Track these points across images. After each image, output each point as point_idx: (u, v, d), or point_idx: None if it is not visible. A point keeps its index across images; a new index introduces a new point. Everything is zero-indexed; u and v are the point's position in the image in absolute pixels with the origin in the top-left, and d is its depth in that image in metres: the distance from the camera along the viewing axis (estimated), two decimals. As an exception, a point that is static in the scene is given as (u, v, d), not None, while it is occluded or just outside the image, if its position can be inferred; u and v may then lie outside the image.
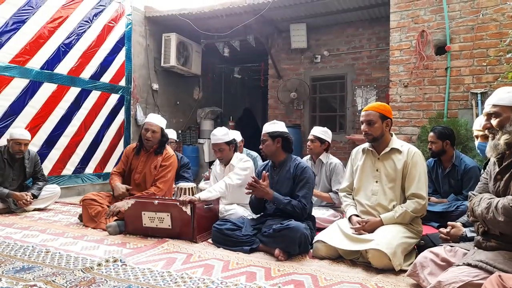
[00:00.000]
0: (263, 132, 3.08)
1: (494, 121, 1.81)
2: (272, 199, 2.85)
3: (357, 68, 6.87)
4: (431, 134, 3.71)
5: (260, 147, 3.07)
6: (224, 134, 3.50)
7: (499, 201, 1.72)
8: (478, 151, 3.04)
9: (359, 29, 6.83)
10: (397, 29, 4.97)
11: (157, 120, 3.76)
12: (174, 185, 3.94)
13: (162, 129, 3.76)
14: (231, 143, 3.54)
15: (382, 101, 3.78)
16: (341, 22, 6.87)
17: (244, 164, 3.47)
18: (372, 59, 6.75)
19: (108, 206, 3.57)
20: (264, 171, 2.96)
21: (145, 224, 3.15)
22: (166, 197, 3.53)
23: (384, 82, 6.46)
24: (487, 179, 1.97)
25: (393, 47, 5.01)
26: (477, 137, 2.94)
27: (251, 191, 2.85)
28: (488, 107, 1.85)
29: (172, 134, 4.97)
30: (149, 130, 3.67)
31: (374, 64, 6.71)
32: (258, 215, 3.19)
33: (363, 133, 2.72)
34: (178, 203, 3.05)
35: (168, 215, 3.07)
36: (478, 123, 2.79)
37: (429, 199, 3.17)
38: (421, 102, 4.84)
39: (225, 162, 3.61)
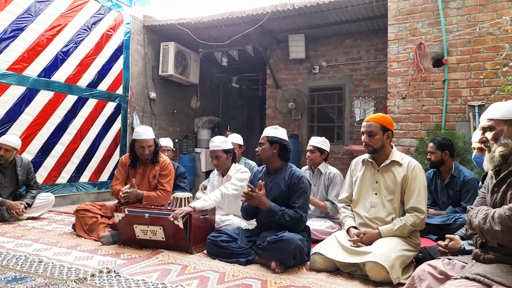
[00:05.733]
0: (262, 135, 3.03)
1: (489, 135, 1.86)
2: (267, 210, 2.78)
3: (355, 79, 6.89)
4: (431, 144, 3.73)
5: (257, 149, 3.01)
6: (222, 141, 3.50)
7: (495, 211, 1.74)
8: (474, 163, 3.06)
9: (358, 41, 6.87)
10: (395, 41, 5.00)
11: (148, 134, 3.65)
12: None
13: (154, 140, 3.72)
14: (229, 152, 3.53)
15: (380, 112, 3.78)
16: (340, 33, 6.91)
17: (241, 175, 3.44)
18: (370, 70, 6.77)
19: (102, 216, 3.53)
20: (260, 181, 2.89)
21: (138, 236, 3.10)
22: (161, 207, 3.47)
23: (382, 94, 6.47)
24: (484, 193, 1.98)
25: (391, 59, 5.03)
26: (474, 148, 2.96)
27: (246, 199, 2.80)
28: (483, 121, 1.90)
29: (168, 142, 4.95)
30: (145, 148, 3.61)
31: (372, 76, 6.74)
32: (253, 227, 3.16)
33: (364, 144, 2.71)
34: (170, 217, 2.93)
35: (160, 229, 3.01)
36: (477, 136, 2.79)
37: (427, 210, 3.15)
38: (419, 114, 4.84)
39: (222, 171, 3.59)
